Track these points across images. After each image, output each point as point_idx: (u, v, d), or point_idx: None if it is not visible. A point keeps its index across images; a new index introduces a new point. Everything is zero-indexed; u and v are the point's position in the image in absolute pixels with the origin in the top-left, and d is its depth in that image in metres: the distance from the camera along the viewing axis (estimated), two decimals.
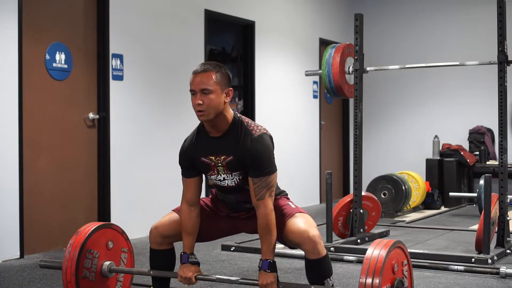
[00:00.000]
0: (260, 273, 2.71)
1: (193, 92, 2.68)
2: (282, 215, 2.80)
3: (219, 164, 2.75)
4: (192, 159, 2.81)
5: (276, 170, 2.75)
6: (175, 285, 3.34)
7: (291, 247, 2.89)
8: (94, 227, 3.04)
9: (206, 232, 2.97)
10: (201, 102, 2.65)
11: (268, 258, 2.69)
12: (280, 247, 4.57)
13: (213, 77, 2.67)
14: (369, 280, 2.41)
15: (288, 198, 2.97)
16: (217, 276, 2.91)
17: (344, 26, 8.81)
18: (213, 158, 2.75)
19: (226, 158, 2.73)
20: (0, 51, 4.51)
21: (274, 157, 2.75)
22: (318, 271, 2.75)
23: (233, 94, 3.46)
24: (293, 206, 2.86)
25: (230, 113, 2.76)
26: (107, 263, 3.07)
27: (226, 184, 2.82)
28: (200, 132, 2.81)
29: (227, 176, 2.78)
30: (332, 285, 2.78)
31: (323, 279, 2.75)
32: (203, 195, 3.13)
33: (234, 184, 2.80)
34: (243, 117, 2.81)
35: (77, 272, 2.93)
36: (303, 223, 2.74)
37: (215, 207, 3.01)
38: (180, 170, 2.87)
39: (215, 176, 2.80)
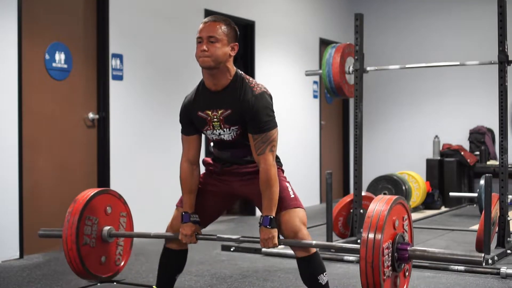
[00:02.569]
0: (261, 229, 2.72)
1: (199, 40, 2.73)
2: (279, 202, 2.78)
3: (215, 119, 2.77)
4: (190, 115, 2.83)
5: (277, 126, 2.76)
6: (178, 285, 3.33)
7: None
8: (92, 193, 3.04)
9: (203, 213, 2.93)
10: (206, 49, 2.69)
11: (268, 214, 2.70)
12: (280, 247, 4.56)
13: (222, 27, 2.73)
14: (371, 236, 2.45)
15: (283, 171, 2.92)
16: (218, 235, 2.92)
17: (344, 26, 8.80)
18: (210, 113, 2.77)
19: (223, 112, 2.74)
20: (0, 51, 4.50)
21: (274, 114, 2.76)
22: (310, 268, 2.77)
23: None
24: (291, 194, 2.83)
25: (233, 68, 2.79)
26: (107, 228, 3.07)
27: (222, 139, 2.82)
28: (200, 87, 2.84)
29: (223, 131, 2.79)
30: (327, 282, 2.78)
31: (317, 276, 2.76)
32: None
33: (231, 139, 2.80)
34: (245, 74, 2.83)
35: (77, 240, 2.94)
36: (298, 221, 2.75)
37: (206, 176, 2.96)
38: (180, 129, 2.89)
39: (211, 131, 2.81)
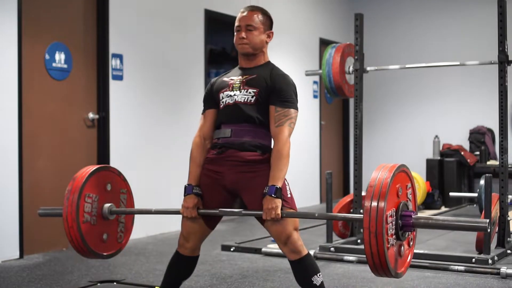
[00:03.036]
0: (265, 198, 2.71)
1: (238, 29, 2.91)
2: None
3: (237, 82, 2.89)
4: (214, 84, 2.96)
5: (298, 110, 2.88)
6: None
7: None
8: (91, 171, 3.01)
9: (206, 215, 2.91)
10: (244, 36, 2.87)
11: (275, 184, 2.71)
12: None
13: (259, 17, 2.94)
14: (374, 204, 2.40)
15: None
16: (220, 209, 2.87)
17: (344, 26, 8.80)
18: (235, 78, 2.90)
19: (248, 76, 2.88)
20: (0, 51, 4.50)
21: (297, 99, 2.88)
22: (303, 270, 2.77)
23: None
24: (288, 194, 2.80)
25: (267, 55, 2.98)
26: (107, 205, 3.05)
27: (234, 102, 2.84)
28: (234, 68, 3.01)
29: (240, 92, 2.86)
30: (322, 283, 2.77)
31: (310, 277, 2.75)
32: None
33: (242, 101, 2.84)
34: None
35: (77, 218, 2.92)
36: (289, 226, 2.74)
37: (202, 178, 2.92)
38: (202, 110, 2.99)
39: (228, 92, 2.88)
